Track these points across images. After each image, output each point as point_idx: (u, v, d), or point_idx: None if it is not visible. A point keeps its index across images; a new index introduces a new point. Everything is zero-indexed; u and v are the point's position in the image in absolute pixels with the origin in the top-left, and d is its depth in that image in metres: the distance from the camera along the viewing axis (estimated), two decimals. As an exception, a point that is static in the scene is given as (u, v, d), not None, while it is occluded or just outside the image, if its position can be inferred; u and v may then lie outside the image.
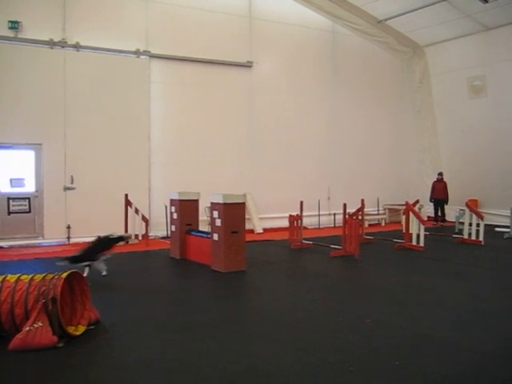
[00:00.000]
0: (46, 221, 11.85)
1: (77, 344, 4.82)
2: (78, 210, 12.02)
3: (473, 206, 12.77)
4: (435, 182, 15.89)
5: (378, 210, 16.77)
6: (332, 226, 15.55)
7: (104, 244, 8.05)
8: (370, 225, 15.75)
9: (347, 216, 10.67)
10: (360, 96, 16.57)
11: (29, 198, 11.81)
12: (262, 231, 14.19)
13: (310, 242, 11.61)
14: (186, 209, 10.06)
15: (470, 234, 11.92)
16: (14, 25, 11.37)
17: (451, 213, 15.81)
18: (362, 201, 12.26)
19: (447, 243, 12.25)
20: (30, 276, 5.08)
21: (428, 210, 16.22)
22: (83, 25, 12.23)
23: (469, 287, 7.49)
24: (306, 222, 12.57)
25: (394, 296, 6.92)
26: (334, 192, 15.77)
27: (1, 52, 11.38)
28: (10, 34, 11.41)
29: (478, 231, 11.71)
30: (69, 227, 12.02)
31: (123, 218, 11.80)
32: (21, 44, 11.54)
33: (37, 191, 11.91)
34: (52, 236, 11.89)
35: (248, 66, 14.63)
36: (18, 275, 5.12)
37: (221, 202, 8.51)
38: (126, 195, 11.85)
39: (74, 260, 7.54)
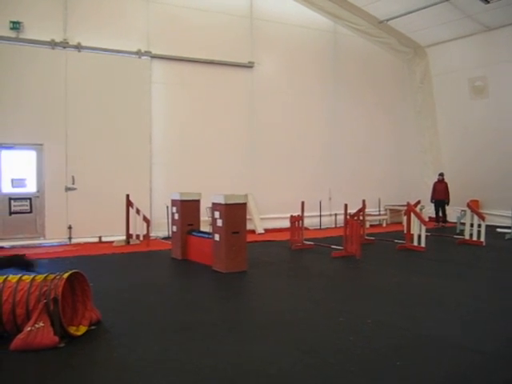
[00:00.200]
0: (47, 221, 11.86)
1: (78, 344, 4.83)
2: (80, 211, 12.04)
3: (474, 206, 12.75)
4: (436, 182, 15.88)
5: (379, 211, 16.76)
6: (333, 226, 15.55)
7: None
8: (371, 225, 15.74)
9: (348, 216, 10.67)
10: (361, 96, 16.57)
11: (30, 199, 11.83)
12: (263, 232, 14.18)
13: (311, 243, 11.61)
14: (187, 209, 10.06)
15: (471, 235, 11.91)
16: (16, 25, 11.39)
17: (452, 213, 15.79)
18: (363, 201, 12.25)
19: (448, 244, 12.24)
20: (32, 276, 5.09)
21: (429, 210, 16.20)
22: (84, 25, 12.25)
23: (470, 288, 7.48)
24: (307, 222, 12.58)
25: (394, 296, 6.92)
26: (335, 192, 15.76)
27: (2, 52, 11.39)
28: (12, 34, 11.42)
29: (479, 232, 11.70)
30: (70, 227, 12.04)
31: (124, 218, 11.81)
32: (22, 44, 11.56)
33: (38, 191, 11.92)
34: (53, 236, 11.90)
35: (249, 66, 14.63)
36: (19, 275, 5.13)
37: (222, 202, 8.51)
38: (128, 196, 11.86)
39: None
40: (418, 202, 12.75)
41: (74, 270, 5.28)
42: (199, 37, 13.73)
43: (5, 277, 5.09)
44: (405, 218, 12.09)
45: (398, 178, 17.17)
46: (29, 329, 4.69)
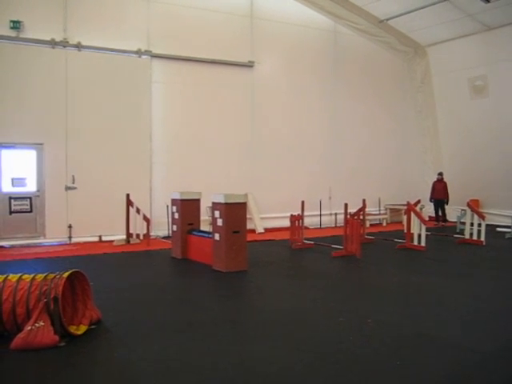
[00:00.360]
0: (47, 220, 11.86)
1: (78, 343, 4.83)
2: (80, 210, 12.05)
3: (474, 205, 12.76)
4: (435, 182, 15.89)
5: (380, 210, 16.77)
6: (333, 225, 15.55)
7: None
8: (371, 225, 15.74)
9: (348, 216, 10.67)
10: (361, 96, 16.57)
11: (30, 198, 11.83)
12: (263, 231, 14.19)
13: (312, 242, 11.62)
14: (187, 208, 10.07)
15: (471, 234, 11.92)
16: (16, 24, 11.38)
17: (452, 213, 15.80)
18: (364, 201, 12.26)
19: (448, 243, 12.24)
20: (32, 275, 5.09)
21: (429, 210, 16.21)
22: (85, 25, 12.25)
23: (470, 287, 7.49)
24: (307, 221, 12.59)
25: (395, 296, 6.92)
26: (335, 192, 15.77)
27: (2, 52, 11.40)
28: (12, 33, 11.42)
29: (479, 231, 11.70)
30: (70, 227, 12.04)
31: (124, 217, 11.81)
32: (22, 44, 11.56)
33: (38, 191, 11.93)
34: (53, 236, 11.91)
35: (249, 65, 14.63)
36: (19, 275, 5.13)
37: (222, 201, 8.51)
38: (128, 195, 11.86)
39: None
40: (418, 202, 12.76)
41: (74, 270, 5.28)
42: (199, 36, 13.74)
43: (5, 276, 5.10)
44: (405, 218, 12.10)
45: (398, 177, 17.17)
46: (29, 328, 4.69)
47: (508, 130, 14.92)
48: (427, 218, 15.00)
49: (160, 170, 13.27)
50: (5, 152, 11.65)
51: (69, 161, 12.11)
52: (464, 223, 12.50)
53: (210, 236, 9.02)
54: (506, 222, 13.81)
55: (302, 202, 11.34)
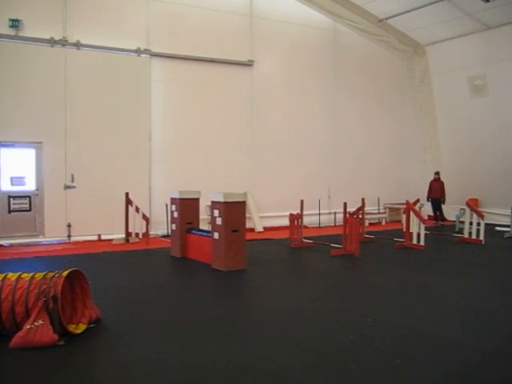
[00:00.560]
0: (46, 219, 11.86)
1: (77, 342, 4.82)
2: (79, 209, 12.04)
3: (473, 205, 12.77)
4: (432, 181, 15.90)
5: (379, 209, 16.78)
6: (332, 224, 15.56)
7: None
8: (370, 224, 15.75)
9: (348, 215, 10.67)
10: (361, 95, 16.57)
11: (29, 197, 11.82)
12: (262, 230, 14.20)
13: (311, 241, 11.62)
14: (186, 207, 10.06)
15: (470, 233, 11.92)
16: (15, 23, 11.37)
17: (452, 212, 15.81)
18: (363, 200, 12.26)
19: (448, 242, 12.25)
20: (31, 274, 5.08)
21: (428, 209, 16.22)
22: (84, 23, 12.23)
23: (469, 286, 7.49)
24: (306, 220, 12.59)
25: (394, 295, 6.92)
26: (334, 191, 15.78)
27: (1, 50, 11.38)
28: (11, 32, 11.41)
29: (478, 230, 11.71)
30: (69, 225, 12.04)
31: (124, 216, 11.81)
32: (21, 42, 11.55)
33: (37, 189, 11.92)
34: (53, 234, 11.91)
35: (249, 64, 14.63)
36: (18, 273, 5.12)
37: (221, 200, 8.51)
38: (127, 194, 11.85)
39: None
40: (418, 201, 12.77)
41: (73, 268, 5.27)
42: (199, 35, 13.73)
43: (4, 275, 5.09)
44: (404, 217, 12.10)
45: (397, 176, 17.18)
46: (28, 327, 4.68)
47: (507, 129, 14.93)
48: (426, 217, 15.01)
49: (159, 168, 13.26)
50: (4, 151, 11.64)
51: (68, 160, 12.10)
52: (463, 222, 12.51)
53: (209, 235, 9.02)
54: (505, 221, 13.82)
55: (302, 201, 11.34)
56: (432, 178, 15.96)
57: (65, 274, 5.02)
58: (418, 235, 11.01)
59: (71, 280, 5.35)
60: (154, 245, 11.51)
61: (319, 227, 15.28)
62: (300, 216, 11.22)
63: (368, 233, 12.93)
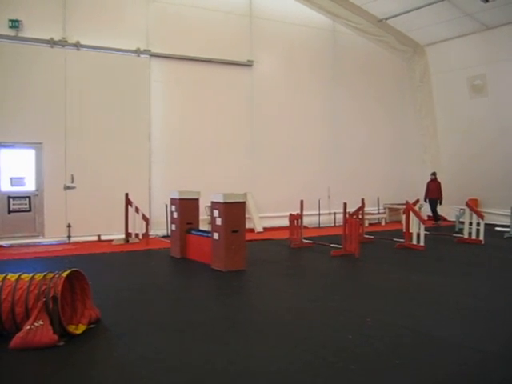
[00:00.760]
0: (46, 220, 11.85)
1: (77, 343, 4.82)
2: (79, 209, 12.04)
3: (473, 205, 12.77)
4: (429, 181, 15.91)
5: (379, 210, 16.77)
6: (332, 225, 15.56)
7: None
8: (370, 224, 15.76)
9: (347, 215, 10.67)
10: (360, 95, 16.57)
11: (29, 197, 11.82)
12: (262, 230, 14.19)
13: (310, 241, 11.62)
14: (186, 208, 10.06)
15: (470, 234, 11.93)
16: (15, 24, 11.37)
17: (451, 212, 15.81)
18: (363, 200, 12.27)
19: (447, 242, 12.24)
20: (31, 275, 5.08)
21: (428, 209, 16.22)
22: (84, 24, 12.23)
23: (469, 286, 7.49)
24: (306, 221, 12.58)
25: (394, 295, 6.92)
26: (334, 191, 15.77)
27: (1, 51, 11.38)
28: (11, 32, 11.41)
29: (478, 230, 11.71)
30: (69, 226, 12.03)
31: (123, 216, 11.80)
32: (21, 43, 11.54)
33: (37, 190, 11.91)
34: (52, 235, 11.90)
35: (248, 64, 14.62)
36: (18, 274, 5.12)
37: (221, 201, 8.51)
38: (127, 194, 11.85)
39: None
40: (417, 201, 12.78)
41: (73, 269, 5.27)
42: (198, 35, 13.73)
43: (4, 275, 5.09)
44: (404, 217, 12.10)
45: (397, 176, 17.17)
46: (28, 327, 4.68)
47: (507, 129, 14.93)
48: (426, 218, 15.01)
49: (159, 169, 13.26)
50: (4, 151, 11.64)
51: (68, 160, 12.09)
52: (463, 222, 12.51)
53: (209, 235, 9.02)
54: (505, 221, 13.82)
55: (301, 202, 11.34)
56: (429, 179, 15.96)
57: (65, 274, 5.02)
58: (418, 235, 11.01)
59: (71, 280, 5.35)
60: (153, 245, 11.51)
61: (319, 227, 15.27)
62: (300, 216, 11.22)
63: (368, 233, 12.93)
